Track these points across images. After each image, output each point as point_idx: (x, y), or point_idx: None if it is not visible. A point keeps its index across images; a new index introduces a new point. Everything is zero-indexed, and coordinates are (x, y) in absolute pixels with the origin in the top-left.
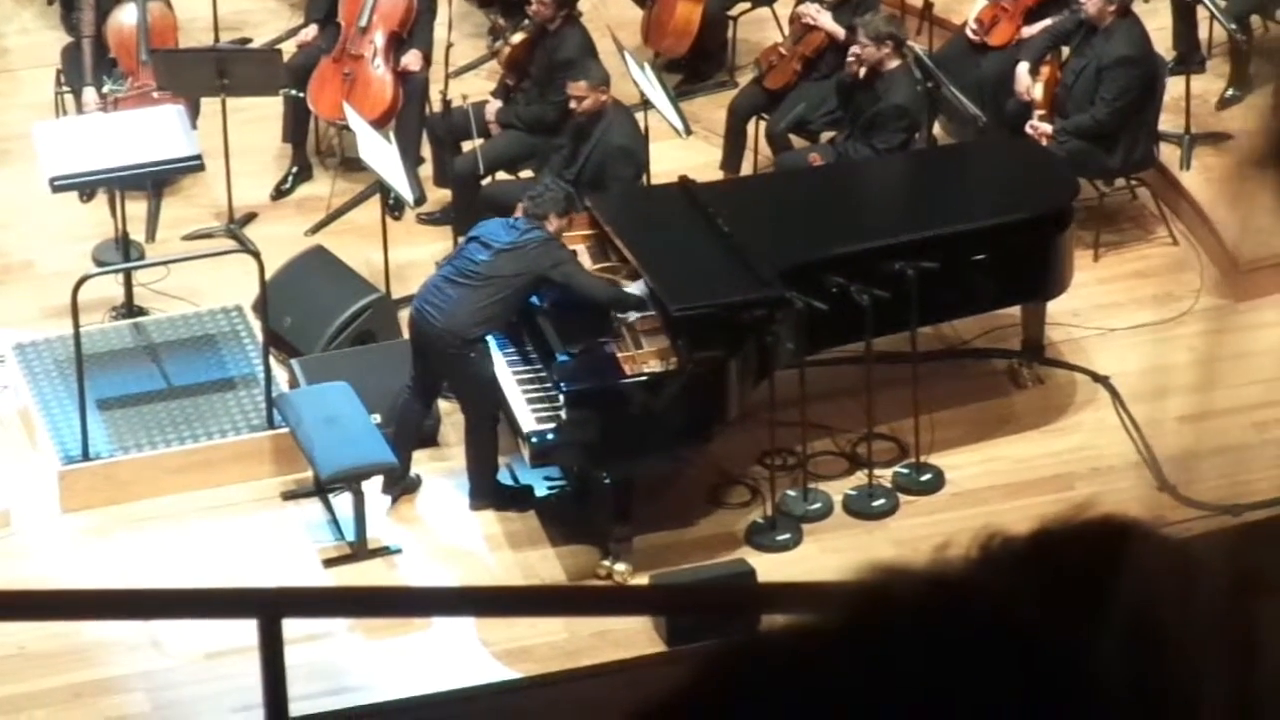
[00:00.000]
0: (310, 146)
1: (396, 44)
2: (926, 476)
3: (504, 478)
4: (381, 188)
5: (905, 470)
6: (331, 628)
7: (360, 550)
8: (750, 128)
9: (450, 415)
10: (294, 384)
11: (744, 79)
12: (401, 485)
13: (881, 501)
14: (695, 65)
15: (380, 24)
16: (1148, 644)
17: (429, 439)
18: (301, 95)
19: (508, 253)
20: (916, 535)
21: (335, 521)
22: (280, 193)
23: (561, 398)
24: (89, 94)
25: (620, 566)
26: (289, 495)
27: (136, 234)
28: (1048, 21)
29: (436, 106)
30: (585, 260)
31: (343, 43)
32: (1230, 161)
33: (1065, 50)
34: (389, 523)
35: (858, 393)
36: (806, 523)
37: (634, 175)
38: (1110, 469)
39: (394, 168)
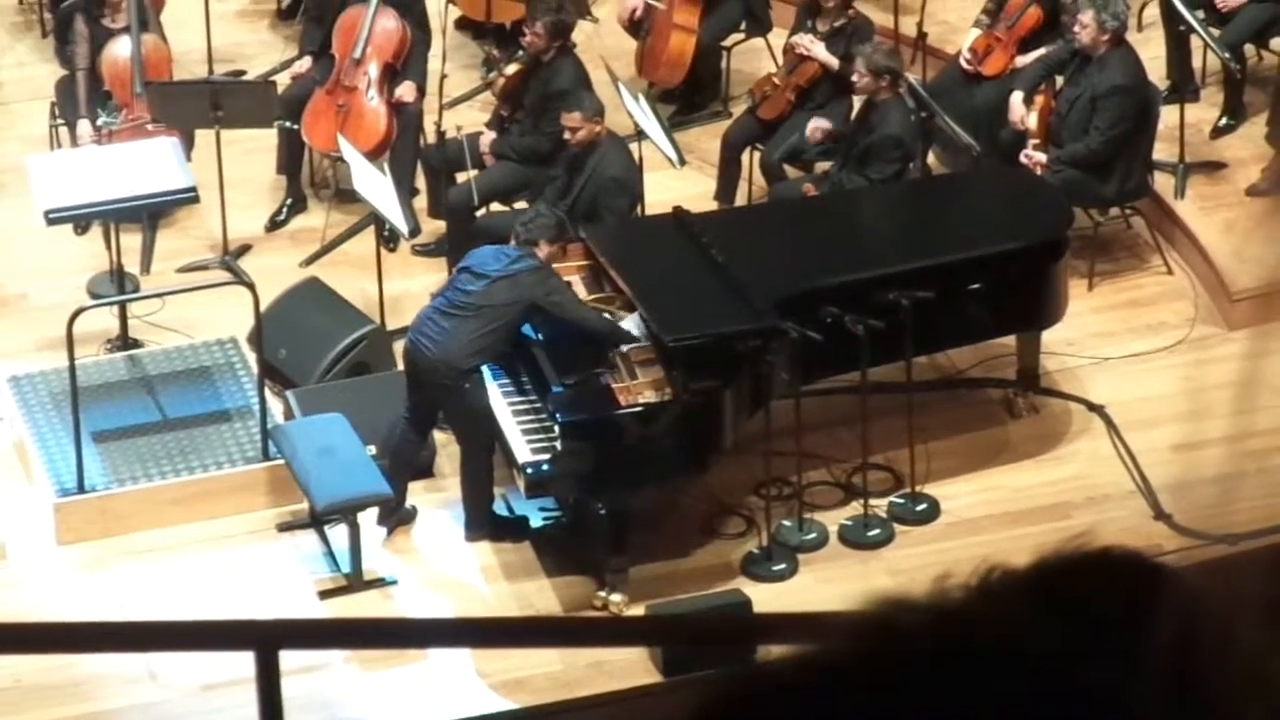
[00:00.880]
0: (305, 178)
1: (390, 75)
2: (922, 506)
3: (499, 508)
4: (376, 219)
5: (901, 500)
6: (328, 659)
7: (356, 581)
8: (744, 158)
9: (446, 446)
10: (289, 415)
11: (738, 109)
12: (397, 516)
13: (877, 531)
14: (689, 96)
15: (374, 56)
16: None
17: (425, 470)
18: (296, 127)
19: (499, 281)
20: (912, 565)
21: (331, 553)
22: (275, 224)
23: (557, 429)
24: (84, 127)
25: (616, 597)
26: (284, 527)
27: (131, 266)
28: (1041, 51)
29: (431, 138)
30: (580, 291)
31: (337, 74)
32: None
33: (1059, 79)
34: (385, 554)
35: (853, 423)
36: (802, 553)
37: (628, 206)
38: (1106, 498)
39: (388, 199)
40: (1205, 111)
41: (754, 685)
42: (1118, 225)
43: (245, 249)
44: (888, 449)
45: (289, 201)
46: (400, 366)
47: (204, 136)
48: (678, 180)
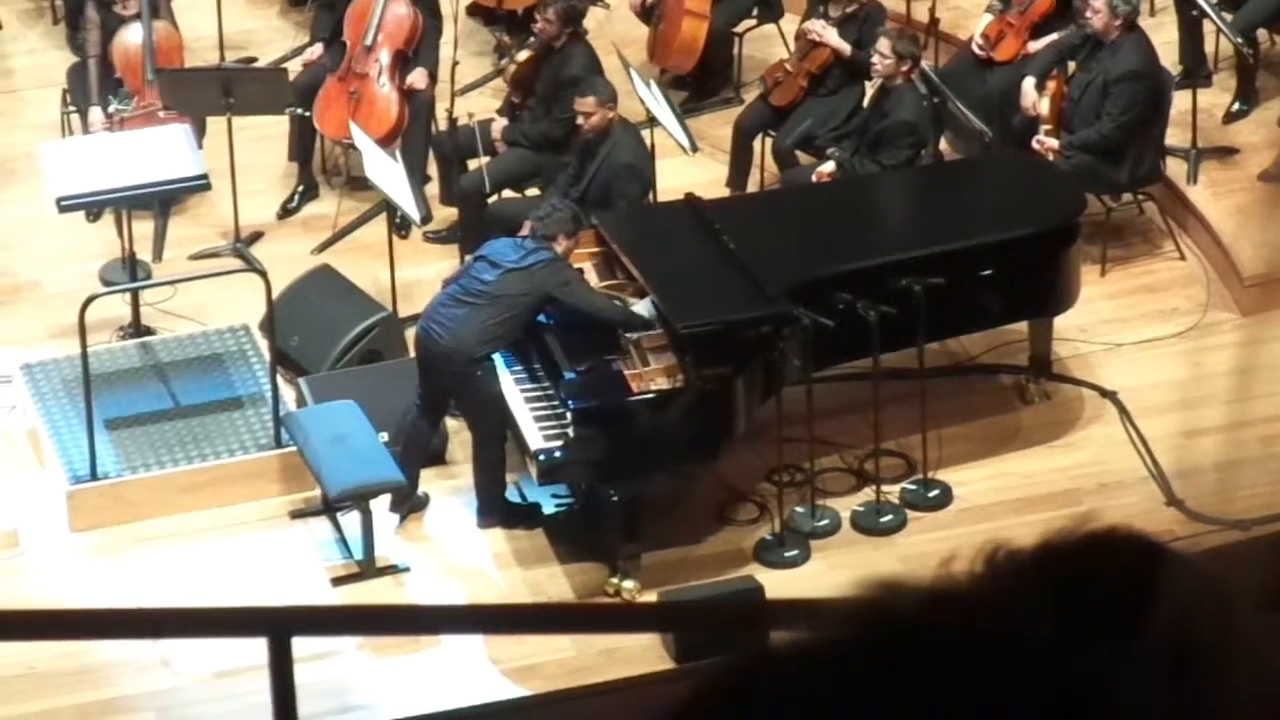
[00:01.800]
0: (316, 165)
1: (402, 62)
2: (934, 492)
3: (511, 495)
4: (388, 206)
5: (913, 486)
6: (340, 646)
7: (368, 568)
8: (756, 144)
9: (458, 433)
10: (301, 403)
11: (750, 96)
12: (409, 504)
13: (889, 518)
14: (701, 82)
15: (385, 42)
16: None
17: (437, 457)
18: (307, 114)
19: (515, 272)
20: (924, 551)
21: (343, 540)
22: (287, 211)
23: (569, 415)
24: (95, 114)
25: (628, 584)
26: (297, 514)
27: (143, 253)
28: (1054, 36)
29: (442, 125)
30: (592, 277)
31: (348, 61)
32: None
33: (1071, 65)
34: (397, 541)
35: (865, 409)
36: (814, 539)
37: (640, 193)
38: (1118, 484)
39: (400, 186)
40: (1217, 97)
41: (749, 670)
42: (1130, 211)
43: (257, 236)
44: (900, 435)
45: (301, 189)
46: (412, 354)
47: (215, 124)
48: (690, 167)
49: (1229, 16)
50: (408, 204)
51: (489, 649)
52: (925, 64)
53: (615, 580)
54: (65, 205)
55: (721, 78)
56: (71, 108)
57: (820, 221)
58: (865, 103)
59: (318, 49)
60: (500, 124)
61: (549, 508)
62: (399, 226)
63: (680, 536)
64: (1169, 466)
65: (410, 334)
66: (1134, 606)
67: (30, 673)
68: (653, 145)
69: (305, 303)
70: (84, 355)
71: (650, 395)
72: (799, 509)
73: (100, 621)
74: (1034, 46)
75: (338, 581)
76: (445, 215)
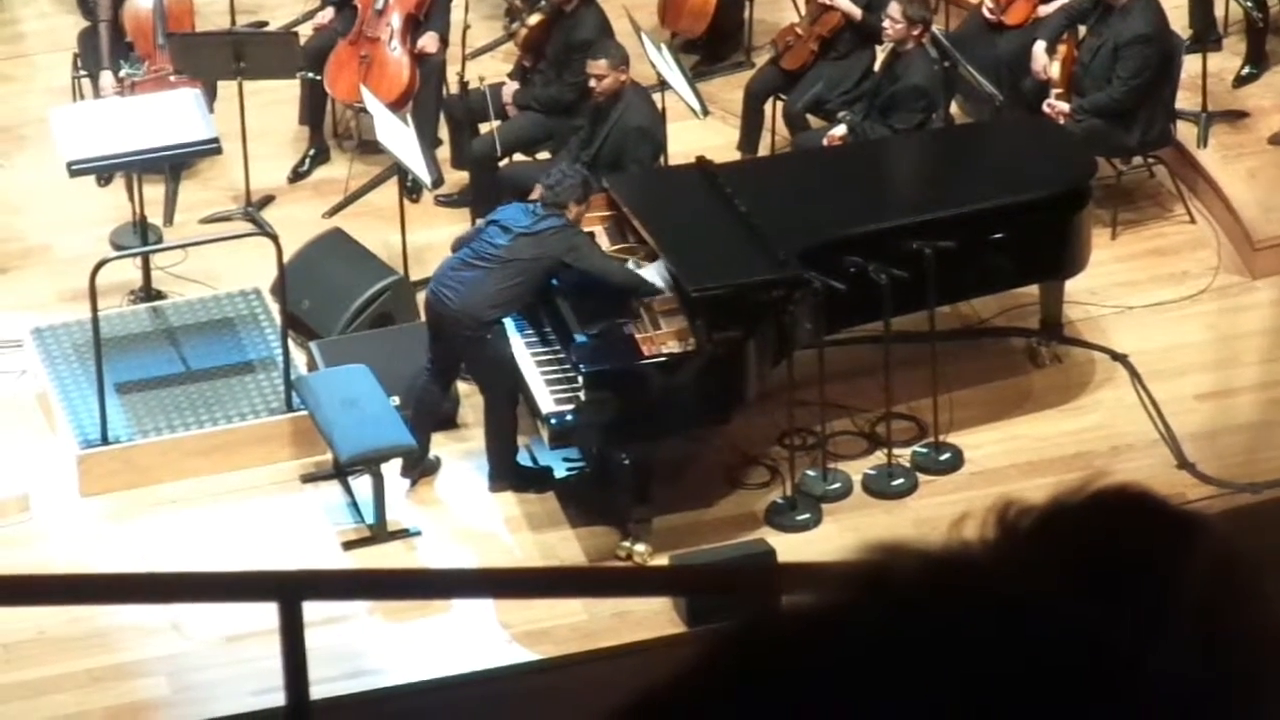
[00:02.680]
0: (328, 129)
1: (413, 26)
2: (945, 456)
3: (523, 459)
4: (399, 170)
5: (924, 449)
6: (352, 610)
7: (380, 533)
8: (767, 108)
9: (469, 397)
10: (312, 367)
11: (761, 59)
12: (420, 468)
13: (901, 481)
14: (712, 46)
15: (397, 6)
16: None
17: (448, 421)
18: (318, 78)
19: (526, 237)
20: (936, 514)
21: (355, 504)
22: (298, 175)
23: (580, 379)
24: (106, 78)
25: (640, 547)
26: (308, 478)
27: (154, 217)
28: (1064, 0)
29: (454, 89)
30: (603, 241)
31: (359, 25)
32: None
33: (1082, 29)
34: (408, 505)
35: (876, 372)
36: (826, 502)
37: (652, 156)
38: (1129, 447)
39: (411, 150)
40: (1227, 60)
41: (749, 635)
42: (1140, 174)
43: (268, 200)
44: (911, 399)
45: (312, 152)
46: (423, 317)
47: (226, 88)
48: (701, 130)
49: None
50: (419, 168)
51: (500, 613)
52: (936, 28)
53: (627, 544)
54: (76, 169)
55: (732, 41)
56: (82, 72)
57: (831, 185)
58: (876, 67)
59: (329, 13)
60: (511, 88)
61: (560, 471)
62: (410, 190)
63: (692, 500)
64: (1180, 430)
65: (421, 298)
66: (1154, 570)
67: (41, 637)
68: (663, 109)
69: (316, 266)
70: (95, 319)
71: (661, 359)
72: (810, 472)
73: (111, 586)
74: (1044, 10)
75: (349, 546)
76: (456, 179)
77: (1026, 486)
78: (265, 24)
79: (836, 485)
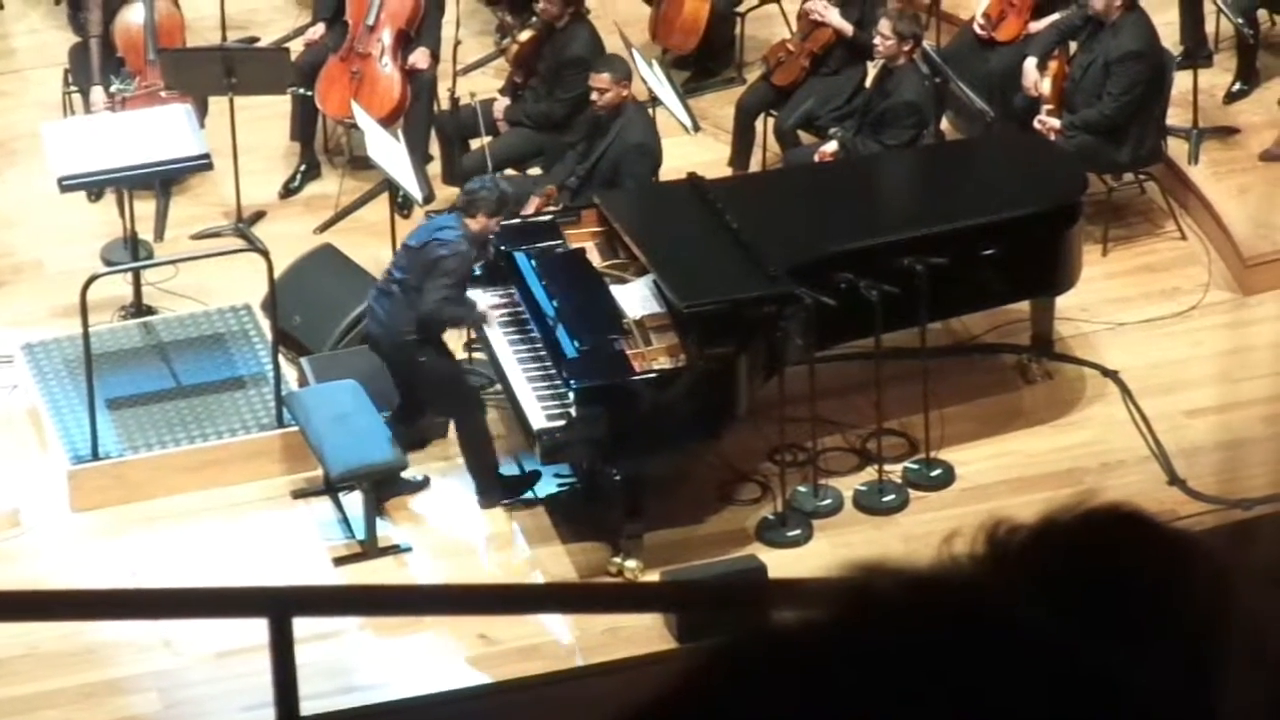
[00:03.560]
0: (319, 145)
1: (404, 42)
2: (936, 472)
3: (513, 472)
4: (390, 186)
5: (915, 465)
6: (342, 626)
7: (370, 549)
8: (759, 124)
9: None
10: (303, 382)
11: (752, 75)
12: (397, 486)
13: (892, 497)
14: (703, 62)
15: (388, 22)
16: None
17: (439, 434)
18: (309, 94)
19: (416, 255)
20: (927, 530)
21: (345, 520)
22: (289, 191)
23: (571, 395)
24: (97, 94)
25: (631, 563)
26: (299, 494)
27: (145, 233)
28: (1055, 16)
29: (445, 104)
30: (594, 257)
31: (350, 41)
32: None
33: (1073, 45)
34: (399, 521)
35: (867, 388)
36: (817, 518)
37: (649, 172)
38: (1120, 463)
39: (402, 166)
40: (1218, 77)
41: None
42: (1131, 191)
43: (259, 216)
44: (902, 415)
45: (303, 168)
46: None
47: (217, 103)
48: (692, 146)
49: None
50: (410, 183)
51: (491, 629)
52: (927, 44)
53: (618, 560)
54: (67, 185)
55: (724, 57)
56: (73, 87)
57: (822, 201)
58: (868, 83)
59: (320, 29)
60: (502, 103)
61: (551, 487)
62: (401, 206)
63: (683, 516)
64: (1170, 446)
65: None
66: (1143, 590)
67: (32, 653)
68: (655, 124)
69: (307, 282)
70: (85, 335)
71: (653, 374)
72: (801, 488)
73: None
74: (1035, 26)
75: (339, 561)
76: (447, 195)
77: (1017, 503)
78: (256, 40)
79: (827, 501)
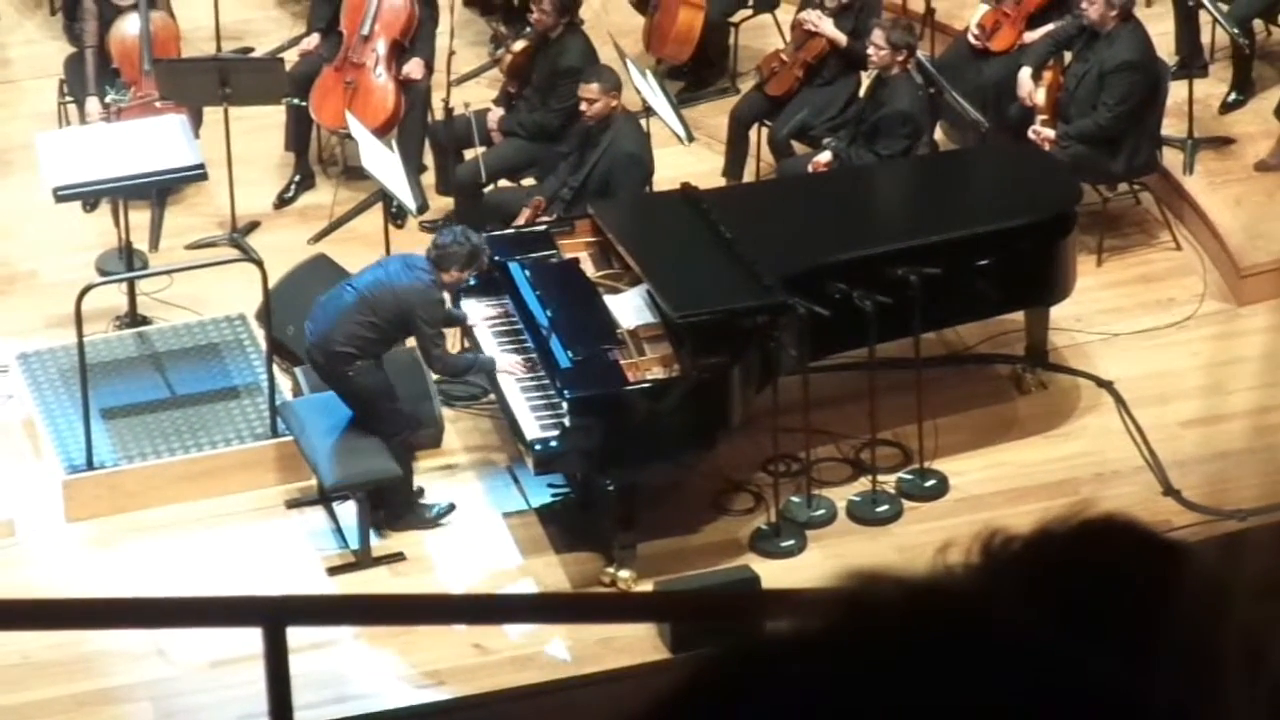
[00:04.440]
0: (313, 155)
1: (398, 52)
2: (930, 482)
3: (507, 482)
4: (384, 196)
5: (909, 476)
6: (336, 636)
7: (364, 558)
8: (752, 134)
9: (454, 422)
10: (297, 392)
11: (746, 86)
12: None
13: (885, 507)
14: (697, 72)
15: (382, 32)
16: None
17: (433, 445)
18: (304, 104)
19: (388, 288)
20: (921, 541)
21: (339, 529)
22: (283, 201)
23: (565, 405)
24: (92, 104)
25: (624, 573)
26: (293, 503)
27: (140, 243)
28: (1050, 27)
29: (439, 114)
30: (588, 267)
31: (345, 51)
32: None
33: (1068, 55)
34: (392, 531)
35: (861, 399)
36: (810, 529)
37: (641, 182)
38: (1114, 474)
39: (396, 176)
40: (1214, 87)
41: (731, 664)
42: (1126, 201)
43: (254, 226)
44: (896, 425)
45: (297, 178)
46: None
47: (212, 114)
48: (686, 156)
49: (1225, 7)
50: (404, 193)
51: (484, 638)
52: (921, 54)
53: (611, 570)
54: (62, 195)
55: (717, 68)
56: (68, 98)
57: (816, 211)
58: (861, 93)
59: (314, 39)
60: (496, 114)
61: (545, 497)
62: (395, 216)
63: (676, 526)
64: (1165, 456)
65: None
66: (1139, 600)
67: (25, 662)
68: (649, 135)
69: (302, 292)
70: (80, 344)
71: (646, 384)
72: (795, 499)
73: (96, 611)
74: (1030, 36)
75: (333, 571)
76: (441, 205)
77: (1011, 513)
78: (251, 50)
79: (821, 512)
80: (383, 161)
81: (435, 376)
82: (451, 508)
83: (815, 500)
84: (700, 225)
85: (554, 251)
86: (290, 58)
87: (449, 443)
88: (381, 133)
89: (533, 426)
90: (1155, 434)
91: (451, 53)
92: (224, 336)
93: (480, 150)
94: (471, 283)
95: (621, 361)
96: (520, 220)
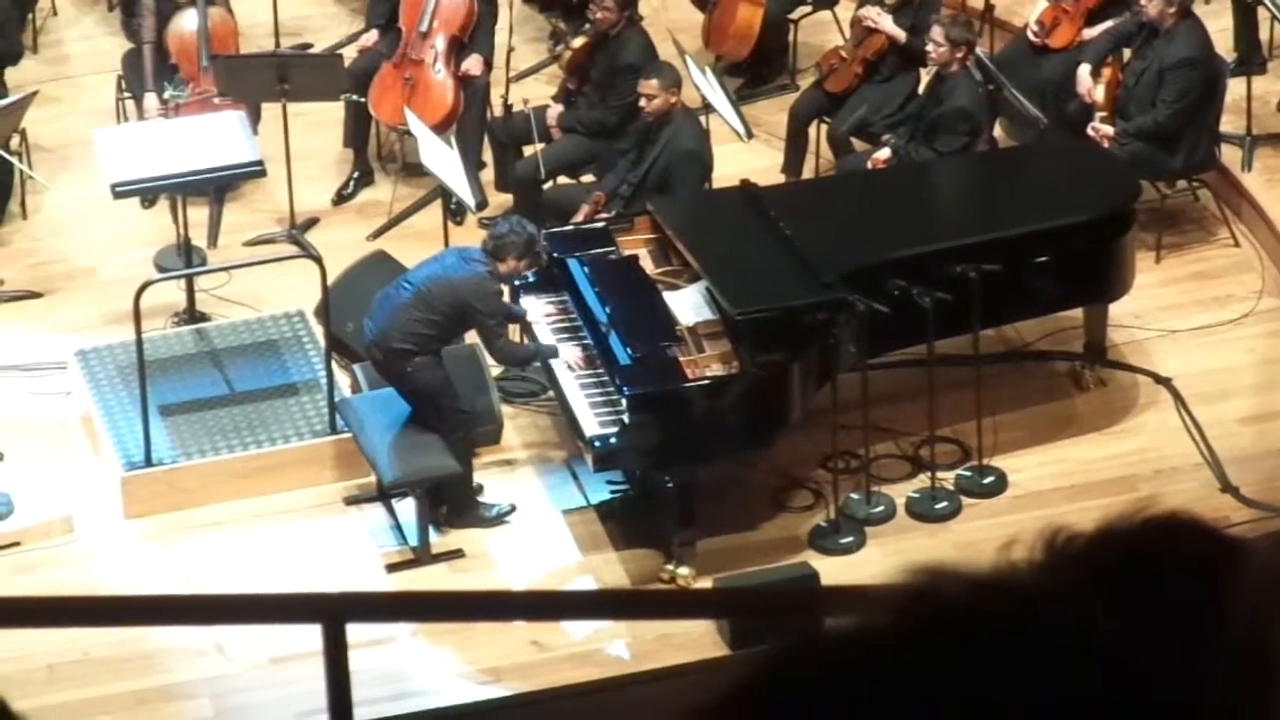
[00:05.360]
0: (372, 151)
1: (457, 49)
2: (989, 479)
3: (566, 479)
4: (443, 192)
5: (968, 473)
6: (395, 632)
7: (423, 555)
8: (812, 131)
9: (513, 419)
10: (356, 389)
11: (805, 82)
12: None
13: (944, 504)
14: (756, 69)
15: (441, 29)
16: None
17: (492, 441)
18: (363, 100)
19: (443, 280)
20: (979, 538)
21: (398, 526)
22: (342, 198)
23: (624, 402)
24: (150, 100)
25: (683, 570)
26: (352, 500)
27: (198, 240)
28: (1109, 23)
29: (498, 111)
30: (647, 264)
31: (404, 48)
32: None
33: (1126, 52)
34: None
35: (920, 395)
36: (869, 526)
37: (700, 179)
38: (1173, 470)
39: (455, 172)
40: (1272, 84)
41: (796, 657)
42: (1184, 198)
43: (312, 222)
44: (955, 422)
45: (356, 175)
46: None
47: (271, 110)
48: (745, 153)
49: None
50: (463, 190)
51: (543, 635)
52: (980, 51)
53: (670, 567)
54: (120, 191)
55: (777, 64)
56: (127, 94)
57: (876, 208)
58: (920, 90)
59: (373, 35)
60: (555, 110)
61: (604, 494)
62: (454, 213)
63: (735, 523)
64: (1224, 453)
65: None
66: (1203, 598)
67: (85, 659)
68: (708, 131)
69: (360, 289)
70: (139, 341)
71: (705, 381)
72: (854, 495)
73: (155, 608)
74: (1089, 33)
75: (392, 568)
76: (500, 201)
77: (1070, 510)
78: (309, 46)
79: (880, 508)
80: (442, 158)
81: (495, 373)
82: (512, 509)
83: (874, 497)
84: (759, 222)
85: (613, 248)
86: (349, 54)
87: (508, 439)
88: (440, 129)
89: (592, 423)
90: (1213, 430)
91: (510, 49)
92: (283, 333)
93: (539, 147)
94: (530, 279)
95: (680, 358)
96: (579, 217)
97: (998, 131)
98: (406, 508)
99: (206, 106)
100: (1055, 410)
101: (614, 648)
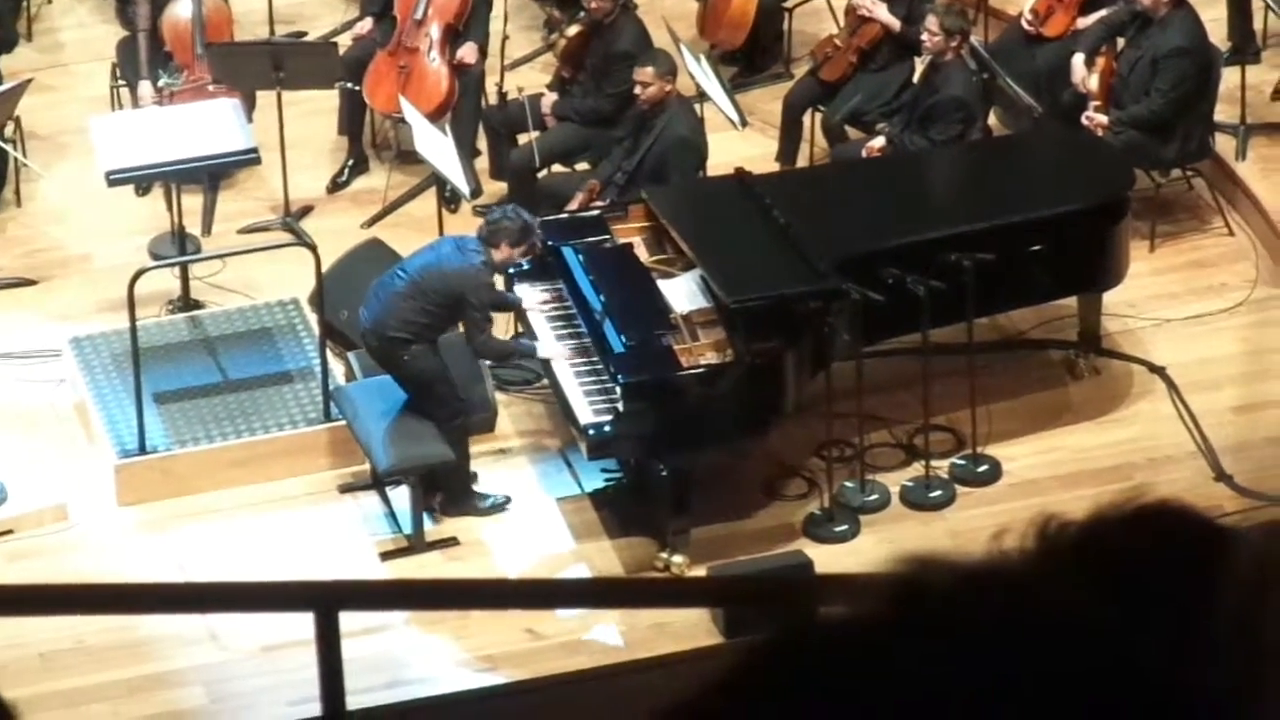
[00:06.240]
0: (366, 139)
1: (452, 37)
2: (983, 467)
3: (560, 466)
4: (437, 180)
5: (962, 461)
6: (388, 621)
7: (417, 543)
8: (806, 119)
9: (507, 406)
10: (350, 377)
11: (800, 71)
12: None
13: (939, 493)
14: (751, 57)
15: (436, 17)
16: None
17: (486, 429)
18: (357, 88)
19: (435, 271)
20: (974, 526)
21: (392, 514)
22: (336, 185)
23: (618, 390)
24: (144, 88)
25: (677, 558)
26: (346, 488)
27: (192, 227)
28: (1103, 12)
29: (492, 99)
30: (641, 252)
31: (398, 36)
32: None
33: (1120, 41)
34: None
35: (914, 384)
36: (864, 514)
37: (695, 167)
38: (1167, 459)
39: (450, 160)
40: (1266, 73)
41: (787, 647)
42: (1179, 187)
43: (307, 210)
44: (949, 410)
45: (350, 163)
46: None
47: (265, 98)
48: (739, 142)
49: None
50: (457, 178)
51: (537, 624)
52: (974, 40)
53: (664, 555)
54: (115, 179)
55: (771, 53)
56: (121, 82)
57: (870, 197)
58: (915, 78)
59: (368, 23)
60: (550, 98)
61: (598, 482)
62: (448, 200)
63: (729, 511)
64: (1218, 442)
65: None
66: (1194, 586)
67: (79, 647)
68: (702, 120)
69: (355, 277)
70: (133, 329)
71: (700, 370)
72: (848, 484)
73: (148, 596)
74: (1083, 22)
75: (386, 556)
76: (495, 189)
77: (1064, 498)
78: (304, 34)
79: (874, 497)
80: (436, 146)
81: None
82: (507, 501)
83: (868, 485)
84: (754, 210)
85: (607, 236)
86: (344, 42)
87: (502, 427)
88: (435, 117)
89: (586, 411)
90: (1207, 419)
91: (505, 37)
92: (277, 321)
93: (534, 135)
94: (524, 267)
95: (675, 347)
96: (574, 205)
97: (992, 120)
98: (400, 495)
99: (201, 94)
100: (1049, 399)
101: (608, 636)
